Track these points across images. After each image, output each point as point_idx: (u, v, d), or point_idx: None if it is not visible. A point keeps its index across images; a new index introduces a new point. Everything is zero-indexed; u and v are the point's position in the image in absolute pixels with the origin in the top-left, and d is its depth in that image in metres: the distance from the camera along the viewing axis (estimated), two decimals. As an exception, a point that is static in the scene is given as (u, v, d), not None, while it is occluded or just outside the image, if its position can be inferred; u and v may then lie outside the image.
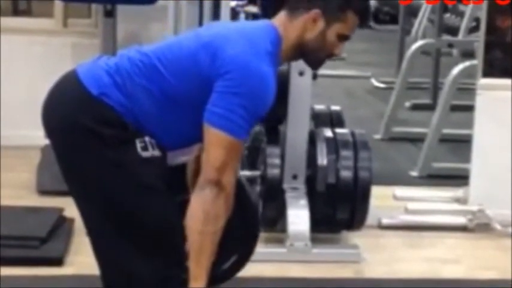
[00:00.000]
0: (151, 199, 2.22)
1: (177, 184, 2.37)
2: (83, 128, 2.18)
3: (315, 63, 2.35)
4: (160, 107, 2.21)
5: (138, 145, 2.21)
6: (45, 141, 4.61)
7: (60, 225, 3.73)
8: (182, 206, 2.24)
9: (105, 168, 2.20)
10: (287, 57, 2.31)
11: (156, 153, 2.22)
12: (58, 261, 3.46)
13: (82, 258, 3.50)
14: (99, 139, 2.18)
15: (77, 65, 2.31)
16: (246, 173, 3.87)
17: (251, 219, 2.53)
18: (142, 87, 2.21)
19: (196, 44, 2.23)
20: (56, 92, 2.30)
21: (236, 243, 2.46)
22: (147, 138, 2.21)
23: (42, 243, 3.52)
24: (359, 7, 2.31)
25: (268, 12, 4.01)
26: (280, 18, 2.30)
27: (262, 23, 2.34)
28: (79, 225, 3.74)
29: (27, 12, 6.21)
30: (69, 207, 3.86)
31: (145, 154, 2.21)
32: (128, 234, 2.21)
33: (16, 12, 6.15)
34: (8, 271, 3.34)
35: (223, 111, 2.15)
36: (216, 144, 2.16)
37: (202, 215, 2.16)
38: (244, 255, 2.52)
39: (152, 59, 2.22)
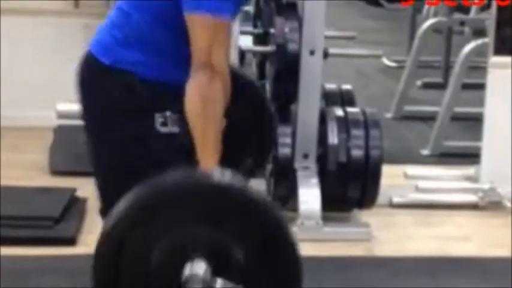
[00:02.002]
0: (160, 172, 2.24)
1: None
2: (106, 100, 2.21)
3: None
4: (169, 31, 2.20)
5: (158, 120, 2.20)
6: (57, 122, 4.71)
7: (73, 205, 3.76)
8: None
9: (124, 142, 2.21)
10: None
11: (175, 129, 2.22)
12: (71, 241, 3.50)
13: (95, 238, 3.49)
14: (121, 112, 2.20)
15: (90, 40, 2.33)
16: (257, 152, 3.91)
17: (264, 119, 2.52)
18: (143, 23, 2.18)
19: None
20: (79, 75, 2.30)
21: (250, 146, 2.45)
22: (168, 113, 2.21)
23: (55, 223, 3.56)
24: None
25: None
26: None
27: None
28: (91, 205, 3.80)
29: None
30: (82, 188, 3.93)
31: (163, 130, 2.20)
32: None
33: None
34: (21, 251, 3.38)
35: None
36: (199, 28, 2.12)
37: (199, 98, 2.12)
38: (260, 159, 2.50)
39: None
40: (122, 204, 1.93)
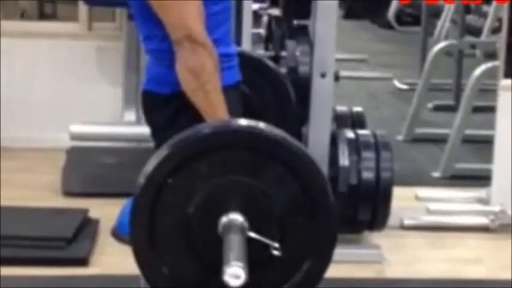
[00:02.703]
0: None
1: None
2: (178, 127, 2.14)
3: None
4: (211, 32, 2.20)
5: None
6: (70, 143, 4.74)
7: (85, 226, 3.79)
8: None
9: None
10: None
11: None
12: (84, 262, 3.52)
13: (107, 259, 3.56)
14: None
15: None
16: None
17: (287, 99, 2.55)
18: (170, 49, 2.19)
19: None
20: (146, 116, 2.31)
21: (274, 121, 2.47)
22: None
23: (68, 243, 3.58)
24: None
25: (290, 14, 4.05)
26: None
27: None
28: (104, 226, 3.84)
29: (52, 16, 6.28)
30: (94, 209, 3.96)
31: None
32: None
33: (42, 16, 6.22)
34: (34, 271, 3.40)
35: None
36: (164, 7, 2.13)
37: (189, 73, 2.12)
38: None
39: (142, 32, 2.24)
40: (161, 152, 1.93)
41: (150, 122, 2.31)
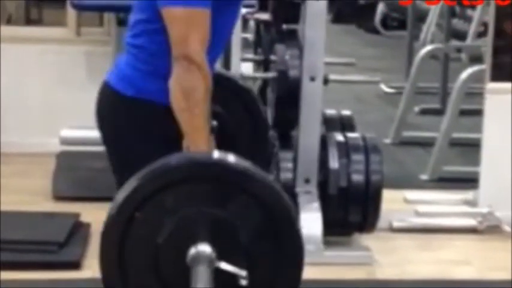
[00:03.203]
0: None
1: None
2: (130, 131, 2.26)
3: None
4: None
5: (185, 145, 2.25)
6: (60, 148, 4.75)
7: (77, 230, 3.80)
8: None
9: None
10: None
11: None
12: (76, 265, 3.54)
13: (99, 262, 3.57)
14: (146, 140, 2.26)
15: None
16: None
17: (262, 130, 2.59)
18: (156, 51, 2.23)
19: None
20: (98, 110, 2.35)
21: (248, 148, 2.49)
22: None
23: (60, 247, 3.60)
24: None
25: (279, 19, 4.08)
26: None
27: None
28: (95, 229, 3.84)
29: (38, 21, 6.29)
30: (85, 213, 3.97)
31: None
32: None
33: (28, 21, 6.24)
34: (27, 275, 3.42)
35: None
36: (172, 21, 2.17)
37: (180, 92, 2.16)
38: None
39: (137, 20, 2.27)
40: (128, 186, 1.96)
41: (107, 120, 2.33)
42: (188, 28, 2.16)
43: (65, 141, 4.56)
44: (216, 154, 2.05)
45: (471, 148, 4.87)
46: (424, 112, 6.50)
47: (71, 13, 5.25)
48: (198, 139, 2.19)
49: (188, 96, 2.16)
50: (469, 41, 7.32)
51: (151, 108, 2.25)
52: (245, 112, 2.62)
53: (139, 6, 2.29)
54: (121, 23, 4.88)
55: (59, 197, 4.35)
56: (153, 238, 1.95)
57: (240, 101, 2.71)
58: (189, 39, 2.16)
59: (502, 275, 3.67)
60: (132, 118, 2.27)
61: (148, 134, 2.26)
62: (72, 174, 4.61)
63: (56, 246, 3.59)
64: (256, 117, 2.62)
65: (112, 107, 2.31)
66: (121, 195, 1.96)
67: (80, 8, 4.93)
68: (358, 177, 3.74)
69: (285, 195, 2.00)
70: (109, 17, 5.22)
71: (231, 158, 2.00)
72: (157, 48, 2.24)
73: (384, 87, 7.31)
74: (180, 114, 2.18)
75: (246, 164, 1.99)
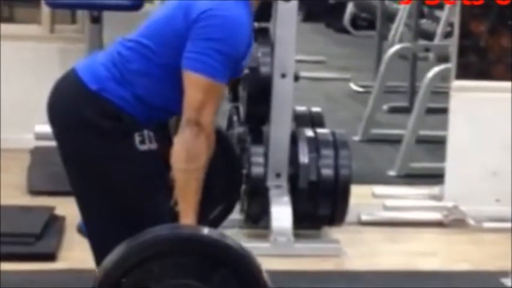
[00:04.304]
0: (146, 190, 2.36)
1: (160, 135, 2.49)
2: (84, 122, 2.33)
3: None
4: (159, 81, 2.35)
5: (137, 139, 2.35)
6: (34, 144, 4.79)
7: (52, 223, 3.87)
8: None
9: (105, 161, 2.35)
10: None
11: (153, 146, 2.37)
12: (52, 257, 3.61)
13: (74, 254, 3.65)
14: (99, 133, 2.33)
15: (66, 70, 2.46)
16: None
17: (235, 169, 2.68)
18: (138, 71, 2.35)
19: (169, 8, 2.38)
20: (57, 90, 2.44)
21: (221, 193, 2.60)
22: (145, 132, 2.36)
23: (36, 239, 3.66)
24: None
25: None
26: None
27: None
28: (70, 222, 3.91)
29: (10, 19, 6.31)
30: (60, 206, 4.03)
31: (142, 147, 2.36)
32: (123, 221, 2.35)
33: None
34: (4, 266, 3.47)
35: (198, 56, 2.29)
36: (193, 87, 2.29)
37: (185, 154, 2.28)
38: (229, 205, 2.66)
39: (139, 40, 2.37)
40: (117, 253, 2.11)
41: (62, 104, 2.39)
42: (206, 97, 2.28)
43: (39, 137, 4.60)
44: (203, 230, 2.20)
45: (437, 145, 4.99)
46: (392, 110, 6.61)
47: (45, 11, 5.30)
48: (189, 200, 2.30)
49: (192, 160, 2.28)
50: (436, 40, 7.43)
51: (109, 107, 2.33)
52: (222, 157, 2.68)
53: (154, 33, 2.36)
54: (95, 20, 4.94)
55: (34, 192, 4.41)
56: None
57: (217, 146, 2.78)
58: (205, 108, 2.28)
59: (465, 266, 3.79)
60: (88, 111, 2.33)
61: (101, 130, 2.33)
62: (46, 169, 4.66)
63: (32, 238, 3.65)
64: (231, 162, 2.68)
65: (72, 94, 2.38)
66: (109, 260, 2.09)
67: (54, 5, 4.98)
68: (327, 172, 3.84)
69: (262, 269, 2.14)
70: (83, 15, 5.27)
71: (215, 233, 2.16)
72: (142, 71, 2.35)
73: (353, 86, 7.42)
74: (178, 174, 2.30)
75: (227, 240, 2.14)
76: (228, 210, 2.66)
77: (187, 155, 2.28)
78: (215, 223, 2.64)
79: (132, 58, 2.36)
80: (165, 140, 2.46)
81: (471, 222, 4.22)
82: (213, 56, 2.28)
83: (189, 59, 2.30)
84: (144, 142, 2.36)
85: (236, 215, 3.68)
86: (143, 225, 2.34)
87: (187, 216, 2.31)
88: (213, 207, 2.59)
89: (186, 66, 2.30)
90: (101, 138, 2.34)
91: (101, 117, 2.33)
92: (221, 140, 2.44)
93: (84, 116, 2.33)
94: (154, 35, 2.36)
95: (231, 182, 2.65)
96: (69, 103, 2.37)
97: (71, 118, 2.36)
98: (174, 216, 2.38)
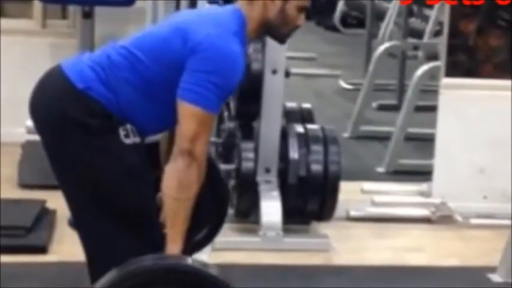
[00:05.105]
0: (133, 182, 2.39)
1: (151, 161, 2.53)
2: (69, 119, 2.35)
3: (281, 37, 2.53)
4: (142, 94, 2.38)
5: (121, 133, 2.38)
6: (25, 138, 4.82)
7: (43, 216, 3.90)
8: (156, 182, 2.41)
9: (91, 156, 2.37)
10: (254, 35, 2.48)
11: (137, 139, 2.41)
12: (43, 249, 3.64)
13: (64, 247, 3.67)
14: (85, 129, 2.35)
15: (61, 61, 2.48)
16: (221, 166, 4.06)
17: (221, 193, 2.69)
18: (125, 79, 2.37)
19: (168, 30, 2.41)
20: (42, 86, 2.45)
21: (207, 216, 2.62)
22: (128, 126, 2.39)
23: (27, 232, 3.69)
24: None
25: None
26: (241, 2, 2.47)
27: (227, 7, 2.52)
28: (61, 215, 3.94)
29: (-1, 14, 6.31)
30: (51, 200, 4.05)
31: (127, 141, 2.39)
32: (111, 215, 2.38)
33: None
34: (-5, 258, 3.51)
35: (195, 87, 2.32)
36: (188, 117, 2.32)
37: (176, 183, 2.31)
38: (215, 228, 2.69)
39: (132, 50, 2.39)
40: (104, 281, 2.17)
41: (47, 100, 2.41)
42: (200, 128, 2.32)
43: (31, 131, 4.60)
44: (187, 260, 2.27)
45: (425, 142, 5.04)
46: (381, 108, 6.66)
47: (37, 5, 5.32)
48: (177, 228, 2.34)
49: (183, 189, 2.32)
50: (425, 39, 7.49)
51: (95, 106, 2.36)
52: (211, 188, 2.70)
53: (147, 47, 2.39)
54: (86, 15, 4.96)
55: (25, 185, 4.43)
56: None
57: (208, 178, 2.80)
58: (199, 139, 2.32)
59: (452, 262, 3.84)
60: (74, 108, 2.35)
61: (86, 127, 2.35)
62: (38, 163, 4.64)
63: (23, 230, 3.68)
64: (216, 178, 2.71)
65: (58, 92, 2.39)
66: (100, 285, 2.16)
67: (47, 0, 5.00)
68: (317, 167, 3.88)
69: None
70: (74, 10, 5.29)
71: (198, 264, 2.22)
72: (129, 80, 2.37)
73: (343, 84, 7.46)
74: (168, 201, 2.34)
75: (211, 270, 2.21)
76: (214, 232, 2.69)
77: (179, 185, 2.32)
78: (201, 245, 2.68)
79: (121, 65, 2.38)
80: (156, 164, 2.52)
81: (459, 218, 4.27)
82: (209, 88, 2.32)
83: (185, 90, 2.34)
84: (129, 136, 2.39)
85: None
86: (131, 216, 2.39)
87: (174, 242, 2.36)
88: (199, 229, 2.63)
89: (182, 96, 2.34)
90: (87, 134, 2.36)
91: (87, 115, 2.36)
92: (208, 163, 2.47)
93: (70, 114, 2.35)
94: (148, 50, 2.39)
95: (217, 205, 2.68)
96: (55, 100, 2.39)
97: (56, 115, 2.38)
98: (159, 209, 2.42)
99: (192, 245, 2.58)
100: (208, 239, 2.68)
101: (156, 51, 2.38)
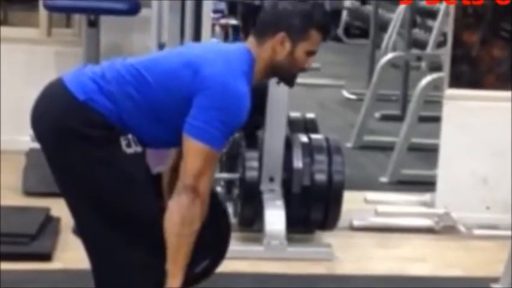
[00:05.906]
0: (136, 192, 2.41)
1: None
2: (71, 131, 2.37)
3: (289, 80, 2.56)
4: (144, 113, 2.40)
5: (123, 143, 2.39)
6: (30, 146, 4.84)
7: (48, 224, 3.91)
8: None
9: (93, 166, 2.39)
10: (261, 76, 2.51)
11: (139, 149, 2.42)
12: (47, 257, 3.65)
13: (69, 254, 3.69)
14: (87, 140, 2.37)
15: (62, 73, 2.50)
16: (225, 175, 4.08)
17: (223, 227, 2.70)
18: (129, 95, 2.39)
19: (179, 61, 2.43)
20: (43, 98, 2.47)
21: (208, 248, 2.61)
22: (130, 136, 2.40)
23: (31, 239, 3.70)
24: (320, 24, 2.49)
25: (248, 24, 4.22)
26: (251, 42, 2.50)
27: (237, 45, 2.57)
28: (65, 223, 3.95)
29: (4, 23, 6.34)
30: (55, 207, 4.06)
31: (129, 151, 2.40)
32: (115, 225, 2.40)
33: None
34: (1, 265, 3.52)
35: (202, 124, 2.34)
36: (194, 154, 2.34)
37: (179, 219, 2.33)
38: (216, 260, 2.68)
39: (141, 71, 2.41)
40: None
41: (48, 114, 2.42)
42: (205, 165, 2.35)
43: (35, 139, 4.64)
44: None
45: (429, 153, 5.05)
46: (385, 118, 6.67)
47: (42, 14, 5.34)
48: (178, 263, 2.36)
49: (185, 224, 2.34)
50: (429, 50, 7.50)
51: (96, 117, 2.37)
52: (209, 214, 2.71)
53: (156, 71, 2.41)
54: (92, 24, 4.99)
55: (29, 193, 4.45)
56: None
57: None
58: (203, 176, 2.35)
59: (455, 272, 3.85)
60: (76, 121, 2.37)
61: (88, 138, 2.37)
62: (41, 171, 4.64)
63: (28, 238, 3.69)
64: (218, 209, 2.72)
65: (59, 105, 2.41)
66: None
67: (53, 9, 5.02)
68: (320, 177, 3.89)
69: None
70: (79, 19, 5.31)
71: None
72: (133, 97, 2.39)
73: (346, 94, 7.47)
74: (170, 236, 2.36)
75: None
76: (216, 262, 2.69)
77: (182, 220, 2.34)
78: (203, 276, 2.67)
79: (128, 81, 2.40)
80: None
81: (462, 229, 4.28)
82: (216, 126, 2.34)
83: (192, 126, 2.35)
84: (130, 145, 2.41)
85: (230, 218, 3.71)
86: (134, 224, 2.41)
87: (175, 277, 2.37)
88: (200, 260, 2.63)
89: (189, 132, 2.35)
90: (88, 145, 2.38)
91: (88, 126, 2.37)
92: (211, 196, 2.48)
93: (71, 125, 2.37)
94: (157, 75, 2.41)
95: (219, 236, 2.69)
96: (56, 112, 2.41)
97: (57, 127, 2.39)
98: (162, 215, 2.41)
99: (191, 277, 2.56)
100: (208, 271, 2.67)
101: (165, 79, 2.41)
